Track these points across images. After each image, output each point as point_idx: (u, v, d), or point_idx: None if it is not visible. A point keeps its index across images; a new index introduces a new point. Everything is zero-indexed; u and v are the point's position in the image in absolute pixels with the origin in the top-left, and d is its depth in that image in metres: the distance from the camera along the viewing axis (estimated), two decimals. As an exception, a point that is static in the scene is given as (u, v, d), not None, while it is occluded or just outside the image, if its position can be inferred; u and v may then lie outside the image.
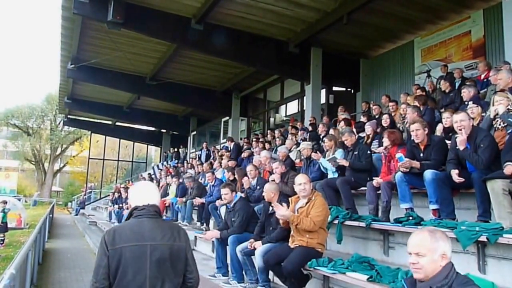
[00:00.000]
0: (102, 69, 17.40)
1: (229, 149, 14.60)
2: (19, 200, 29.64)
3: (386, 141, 5.91)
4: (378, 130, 7.99)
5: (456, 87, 8.72)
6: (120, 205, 15.97)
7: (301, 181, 4.94)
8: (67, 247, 13.15)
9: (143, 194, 2.76)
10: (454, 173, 4.50)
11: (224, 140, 20.25)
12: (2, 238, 17.21)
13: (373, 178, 5.97)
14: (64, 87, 20.79)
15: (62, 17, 12.51)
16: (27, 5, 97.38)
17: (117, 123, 28.77)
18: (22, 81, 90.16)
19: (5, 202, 19.07)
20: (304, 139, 9.98)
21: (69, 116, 28.69)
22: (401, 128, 7.46)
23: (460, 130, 4.54)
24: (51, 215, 17.57)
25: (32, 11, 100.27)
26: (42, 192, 44.98)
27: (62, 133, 45.28)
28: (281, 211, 4.75)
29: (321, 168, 7.20)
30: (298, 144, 9.60)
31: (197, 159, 16.86)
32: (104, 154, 32.67)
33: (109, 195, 24.89)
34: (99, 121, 29.01)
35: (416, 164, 4.96)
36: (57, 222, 22.62)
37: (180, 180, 12.06)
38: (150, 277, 2.47)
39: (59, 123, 44.38)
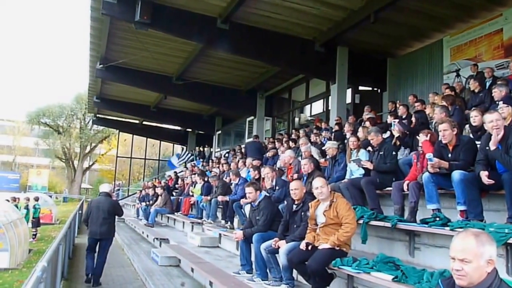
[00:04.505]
0: (130, 69, 17.71)
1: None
2: (50, 196, 30.53)
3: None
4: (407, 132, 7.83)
5: (487, 87, 8.50)
6: (148, 202, 16.21)
7: (317, 185, 4.98)
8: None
9: (102, 188, 8.69)
10: (484, 174, 4.35)
11: (249, 140, 20.30)
12: (35, 233, 17.82)
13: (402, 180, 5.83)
14: (93, 86, 21.26)
15: (91, 17, 12.78)
16: (57, 6, 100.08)
17: (144, 122, 29.23)
18: (52, 81, 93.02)
19: (37, 199, 19.83)
20: (329, 139, 9.92)
21: (97, 115, 29.34)
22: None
23: (497, 129, 4.38)
24: (80, 211, 17.96)
25: (62, 12, 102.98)
26: (71, 189, 46.19)
27: (91, 131, 46.40)
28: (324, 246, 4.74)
29: (347, 168, 7.16)
30: (322, 144, 9.55)
31: (223, 158, 16.97)
32: (131, 152, 33.23)
33: (136, 193, 25.32)
34: (126, 120, 29.51)
35: (445, 164, 4.87)
36: (86, 219, 23.08)
37: (205, 179, 12.19)
38: (99, 215, 7.95)
39: (88, 122, 45.44)
